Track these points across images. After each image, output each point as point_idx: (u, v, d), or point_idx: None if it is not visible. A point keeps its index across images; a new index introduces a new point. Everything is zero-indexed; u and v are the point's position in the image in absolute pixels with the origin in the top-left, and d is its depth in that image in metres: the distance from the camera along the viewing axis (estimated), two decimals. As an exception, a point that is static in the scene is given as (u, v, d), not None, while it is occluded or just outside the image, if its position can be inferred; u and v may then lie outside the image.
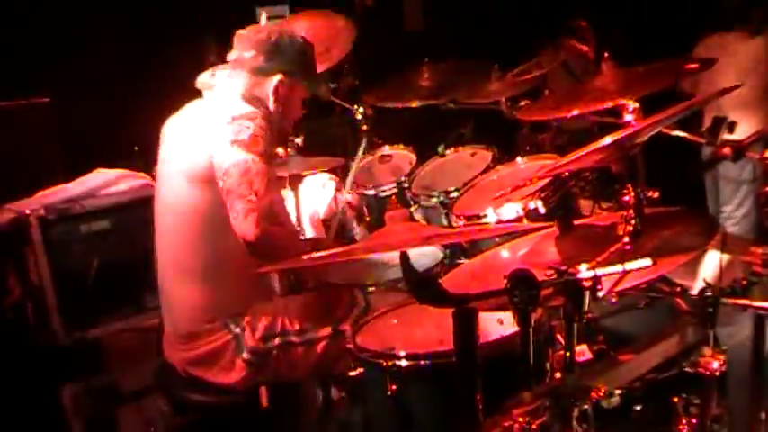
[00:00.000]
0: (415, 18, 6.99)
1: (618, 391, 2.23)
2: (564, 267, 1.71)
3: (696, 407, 2.32)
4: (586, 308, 1.74)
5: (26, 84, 4.52)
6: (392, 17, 6.66)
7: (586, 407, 2.03)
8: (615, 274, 1.71)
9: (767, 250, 2.64)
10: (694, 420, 2.30)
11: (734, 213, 4.53)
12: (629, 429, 2.48)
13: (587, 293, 1.71)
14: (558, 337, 2.57)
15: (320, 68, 3.87)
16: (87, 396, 3.76)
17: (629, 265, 1.70)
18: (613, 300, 2.87)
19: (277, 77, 2.79)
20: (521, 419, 1.73)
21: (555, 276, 1.70)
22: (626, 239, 1.99)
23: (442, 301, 1.68)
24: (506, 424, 1.73)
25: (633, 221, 1.99)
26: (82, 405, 3.75)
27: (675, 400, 2.33)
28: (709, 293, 2.20)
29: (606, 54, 2.56)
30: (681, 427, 2.31)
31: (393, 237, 1.96)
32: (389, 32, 6.27)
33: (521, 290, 1.64)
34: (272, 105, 2.81)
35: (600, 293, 1.72)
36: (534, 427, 1.72)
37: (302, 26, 4.00)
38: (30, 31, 4.83)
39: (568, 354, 1.80)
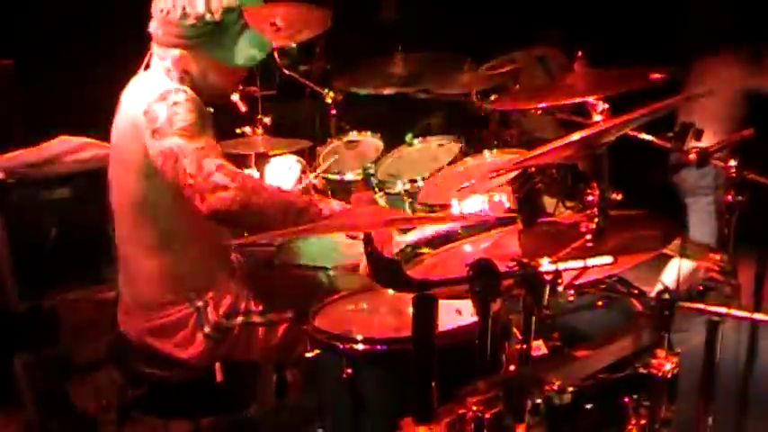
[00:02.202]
0: (390, 8, 6.99)
1: (570, 389, 2.28)
2: (526, 260, 1.72)
3: (646, 409, 2.35)
4: (545, 302, 1.75)
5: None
6: (368, 7, 6.63)
7: (539, 401, 2.07)
8: (576, 270, 1.73)
9: (725, 258, 2.69)
10: (643, 422, 2.32)
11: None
12: (580, 427, 2.50)
13: (547, 287, 1.72)
14: (515, 330, 2.60)
15: (280, 42, 3.89)
16: (39, 366, 3.73)
17: (591, 261, 1.72)
18: (570, 298, 2.89)
19: (176, 52, 2.70)
20: (474, 408, 1.74)
21: (517, 268, 1.71)
22: (588, 237, 2.00)
23: (403, 285, 1.68)
24: (460, 412, 1.74)
25: (596, 219, 2.00)
26: (34, 375, 3.72)
27: (626, 400, 2.36)
28: (666, 297, 2.22)
29: (580, 53, 2.57)
30: (630, 427, 2.33)
31: (358, 218, 1.96)
32: (365, 21, 6.24)
33: (482, 279, 1.65)
34: (176, 79, 2.71)
35: (559, 288, 1.74)
36: (487, 416, 1.73)
37: (279, 11, 3.97)
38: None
39: (524, 346, 1.81)
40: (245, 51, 2.74)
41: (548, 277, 1.71)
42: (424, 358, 1.68)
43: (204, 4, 2.64)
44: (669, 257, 4.27)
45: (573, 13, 5.62)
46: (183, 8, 2.64)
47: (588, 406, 2.41)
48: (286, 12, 3.91)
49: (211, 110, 2.78)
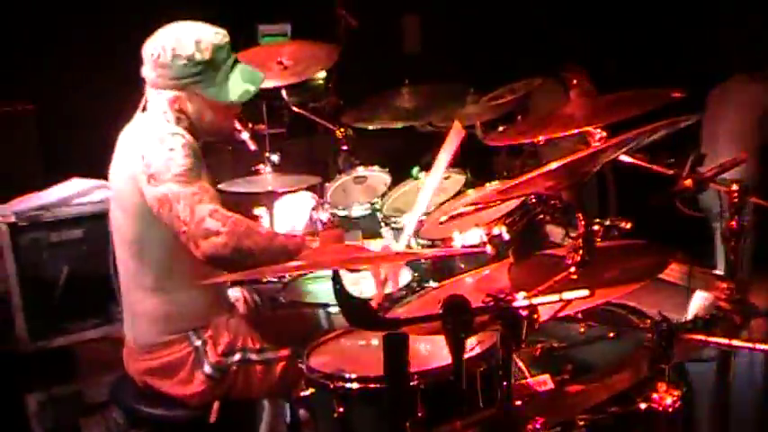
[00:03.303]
0: (413, 42, 6.99)
1: (581, 423, 2.22)
2: (501, 295, 1.68)
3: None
4: (524, 337, 1.71)
5: (9, 88, 4.50)
6: (391, 39, 6.65)
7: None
8: (552, 304, 1.68)
9: (731, 285, 2.61)
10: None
11: None
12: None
13: (524, 322, 1.68)
14: (521, 365, 2.55)
15: (282, 82, 3.91)
16: (51, 405, 3.75)
17: (567, 295, 1.67)
18: (582, 330, 2.84)
19: (170, 93, 2.71)
20: (451, 448, 1.70)
21: (491, 303, 1.67)
22: (572, 269, 1.96)
23: (373, 324, 1.65)
24: (436, 452, 1.71)
25: (580, 251, 1.96)
26: (46, 414, 3.74)
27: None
28: (665, 327, 2.16)
29: (575, 81, 2.54)
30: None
31: (324, 256, 1.94)
32: (386, 54, 6.26)
33: (453, 315, 1.62)
34: (173, 120, 2.73)
35: (536, 323, 1.69)
36: (464, 455, 1.69)
37: (286, 50, 4.03)
38: (12, 33, 4.80)
39: (505, 383, 1.76)
40: (238, 87, 2.75)
41: (523, 312, 1.66)
42: (395, 397, 1.64)
43: (194, 45, 2.67)
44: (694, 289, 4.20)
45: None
46: (174, 50, 2.66)
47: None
48: (292, 50, 3.94)
49: (230, 147, 2.81)
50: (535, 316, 1.67)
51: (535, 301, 1.66)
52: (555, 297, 1.68)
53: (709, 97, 4.77)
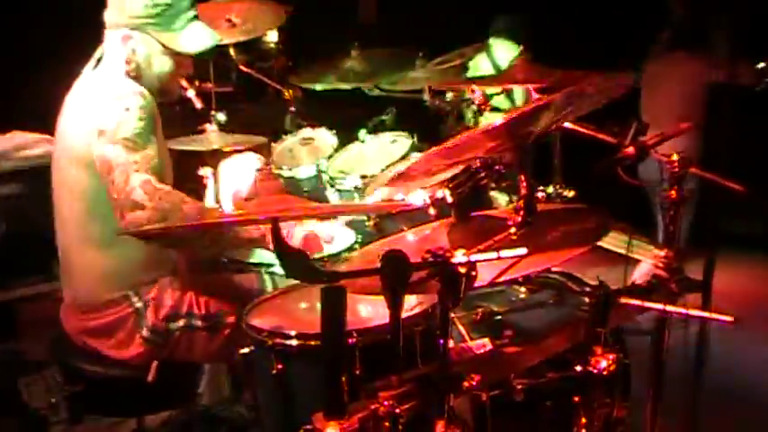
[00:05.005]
0: (369, 11, 6.96)
1: (519, 387, 2.24)
2: (440, 252, 1.68)
3: (593, 408, 2.31)
4: (462, 294, 1.71)
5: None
6: (347, 8, 6.62)
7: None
8: (490, 261, 1.69)
9: (669, 254, 2.65)
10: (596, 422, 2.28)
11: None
12: (534, 425, 2.47)
13: (463, 279, 1.68)
14: (461, 328, 2.56)
15: (230, 39, 3.88)
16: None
17: (504, 253, 1.68)
18: (522, 296, 2.86)
19: (125, 31, 2.69)
20: (387, 403, 1.70)
21: (430, 259, 1.67)
22: (513, 230, 1.97)
23: (312, 277, 1.64)
24: (372, 407, 1.71)
25: (521, 212, 1.97)
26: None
27: (577, 399, 2.33)
28: (602, 292, 2.18)
29: (522, 47, 2.56)
30: (581, 426, 2.30)
31: (265, 208, 1.92)
32: (341, 21, 6.21)
33: (392, 271, 1.62)
34: (124, 63, 2.71)
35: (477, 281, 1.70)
36: (399, 411, 1.70)
37: (235, 7, 3.98)
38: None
39: (442, 341, 1.77)
40: (193, 40, 2.74)
41: (461, 269, 1.67)
42: (332, 352, 1.64)
43: None
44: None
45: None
46: None
47: (547, 403, 2.41)
48: (241, 7, 3.90)
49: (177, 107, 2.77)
50: (473, 273, 1.68)
51: (473, 258, 1.66)
52: (493, 255, 1.68)
53: (648, 71, 4.86)
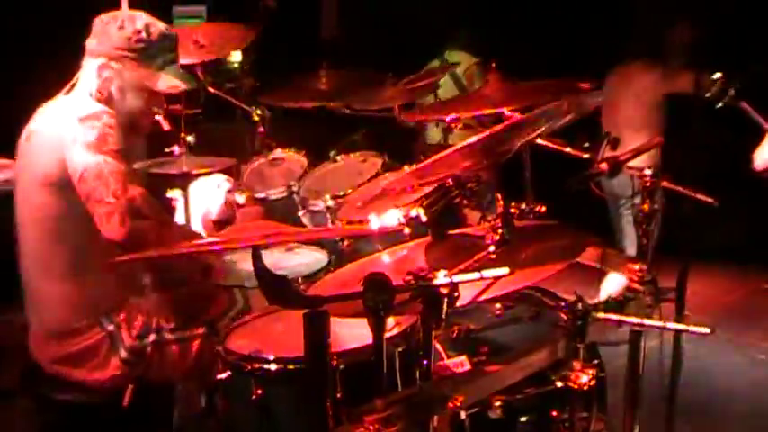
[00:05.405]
0: (330, 26, 6.99)
1: (497, 403, 2.24)
2: (422, 273, 1.68)
3: (572, 422, 2.32)
4: (444, 315, 1.71)
5: None
6: (309, 24, 6.63)
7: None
8: (472, 281, 1.69)
9: (643, 267, 2.67)
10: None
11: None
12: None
13: (444, 300, 1.68)
14: (439, 346, 2.56)
15: (196, 59, 3.89)
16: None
17: (486, 273, 1.68)
18: (498, 312, 2.86)
19: (100, 60, 2.69)
20: (372, 427, 1.69)
21: (412, 282, 1.67)
22: (492, 249, 1.97)
23: (294, 302, 1.63)
24: (357, 431, 1.69)
25: (500, 231, 1.97)
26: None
27: (554, 414, 2.33)
28: (579, 307, 2.19)
29: (493, 65, 2.56)
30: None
31: (243, 234, 1.91)
32: (305, 38, 6.22)
33: (374, 294, 1.61)
34: (95, 91, 2.70)
35: (458, 301, 1.70)
36: (385, 434, 1.68)
37: (200, 30, 4.01)
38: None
39: (425, 362, 1.76)
40: (169, 80, 2.74)
41: (443, 290, 1.66)
42: (316, 376, 1.62)
43: (144, 24, 2.69)
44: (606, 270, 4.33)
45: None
46: (124, 21, 2.68)
47: (522, 419, 2.41)
48: (208, 30, 3.92)
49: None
50: (456, 294, 1.68)
51: (456, 278, 1.66)
52: (475, 275, 1.68)
53: (608, 83, 4.92)
